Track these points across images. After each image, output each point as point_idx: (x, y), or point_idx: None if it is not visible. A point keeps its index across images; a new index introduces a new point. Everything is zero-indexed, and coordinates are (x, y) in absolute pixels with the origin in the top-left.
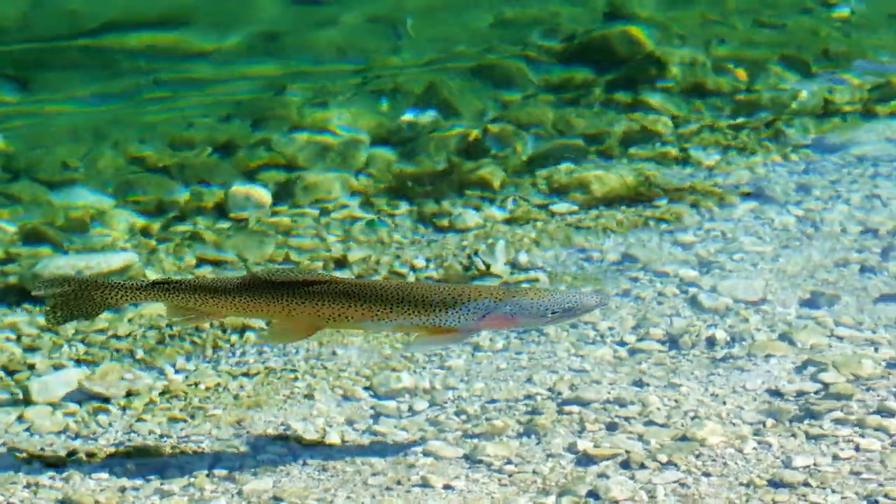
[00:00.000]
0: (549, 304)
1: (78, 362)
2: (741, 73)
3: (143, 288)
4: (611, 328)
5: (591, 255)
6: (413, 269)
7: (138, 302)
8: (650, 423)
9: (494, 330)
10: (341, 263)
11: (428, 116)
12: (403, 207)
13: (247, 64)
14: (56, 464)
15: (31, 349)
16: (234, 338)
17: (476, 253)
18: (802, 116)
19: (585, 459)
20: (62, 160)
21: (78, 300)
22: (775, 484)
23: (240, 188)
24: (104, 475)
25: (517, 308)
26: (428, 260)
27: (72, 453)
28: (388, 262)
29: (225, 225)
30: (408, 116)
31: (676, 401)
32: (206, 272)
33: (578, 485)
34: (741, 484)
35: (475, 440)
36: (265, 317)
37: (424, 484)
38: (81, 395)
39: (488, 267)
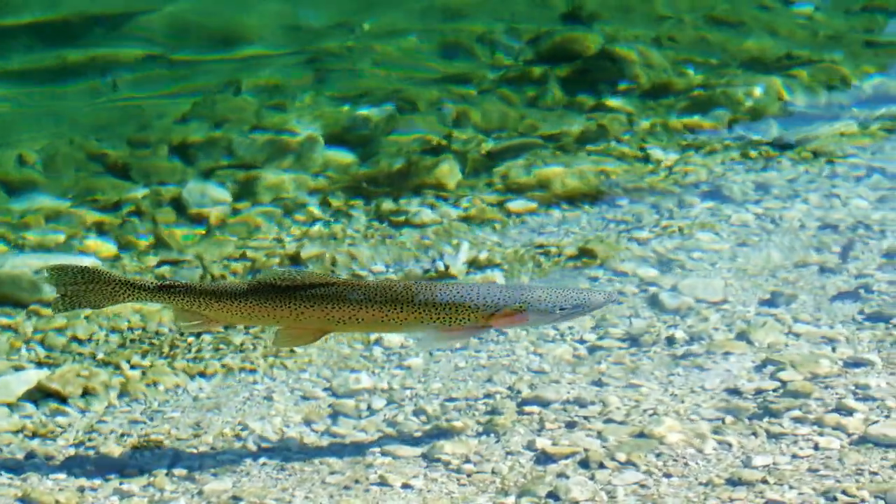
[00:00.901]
0: (558, 301)
1: (39, 364)
2: (699, 72)
3: (149, 289)
4: (570, 327)
5: (549, 252)
6: (371, 273)
7: (144, 302)
8: (609, 421)
9: (504, 327)
10: (295, 261)
11: (384, 115)
12: (360, 206)
13: (206, 63)
14: (13, 467)
15: None
16: (191, 339)
17: (441, 256)
18: (759, 114)
19: (544, 458)
20: (18, 156)
21: (89, 292)
22: (734, 482)
23: (197, 187)
24: (62, 475)
25: (527, 306)
26: (387, 265)
27: (30, 455)
28: (345, 262)
29: (183, 224)
30: (365, 115)
31: (636, 400)
32: (166, 271)
33: (538, 485)
34: (700, 483)
35: (434, 439)
36: (272, 322)
37: (383, 483)
38: (39, 395)
39: (447, 268)
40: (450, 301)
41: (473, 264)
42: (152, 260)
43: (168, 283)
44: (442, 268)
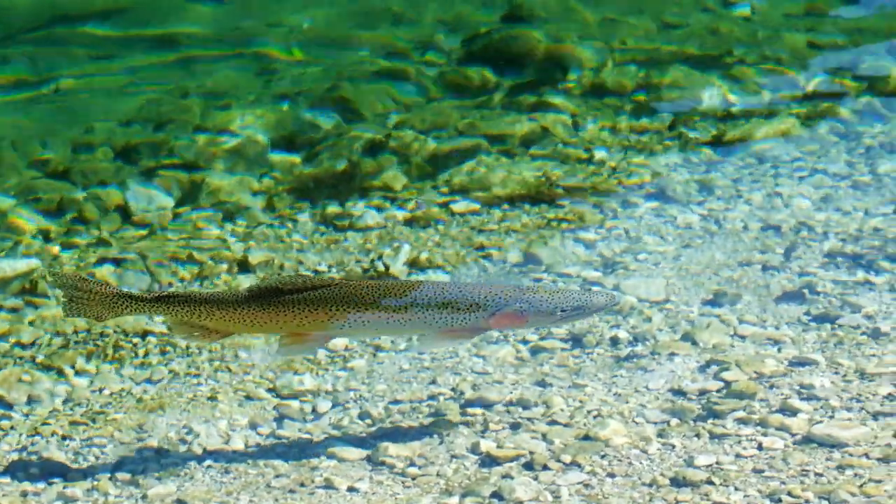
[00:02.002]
0: (559, 303)
1: None
2: (643, 73)
3: (147, 301)
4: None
5: (493, 255)
6: (316, 272)
7: (143, 314)
8: (553, 422)
9: (505, 328)
10: (243, 266)
11: (329, 117)
12: (305, 209)
13: (150, 66)
14: None
15: None
16: (137, 340)
17: (380, 257)
18: (704, 116)
19: (489, 460)
20: None
21: (90, 302)
22: (678, 483)
23: (141, 190)
24: (6, 479)
25: (527, 306)
26: (330, 266)
27: None
28: (293, 267)
29: (127, 228)
30: (308, 117)
31: (580, 401)
32: (106, 271)
33: (482, 486)
34: (644, 483)
35: (378, 441)
36: (276, 330)
37: (328, 486)
38: None
39: (387, 268)
40: (452, 301)
41: (415, 265)
42: (93, 257)
43: (167, 293)
44: (382, 268)
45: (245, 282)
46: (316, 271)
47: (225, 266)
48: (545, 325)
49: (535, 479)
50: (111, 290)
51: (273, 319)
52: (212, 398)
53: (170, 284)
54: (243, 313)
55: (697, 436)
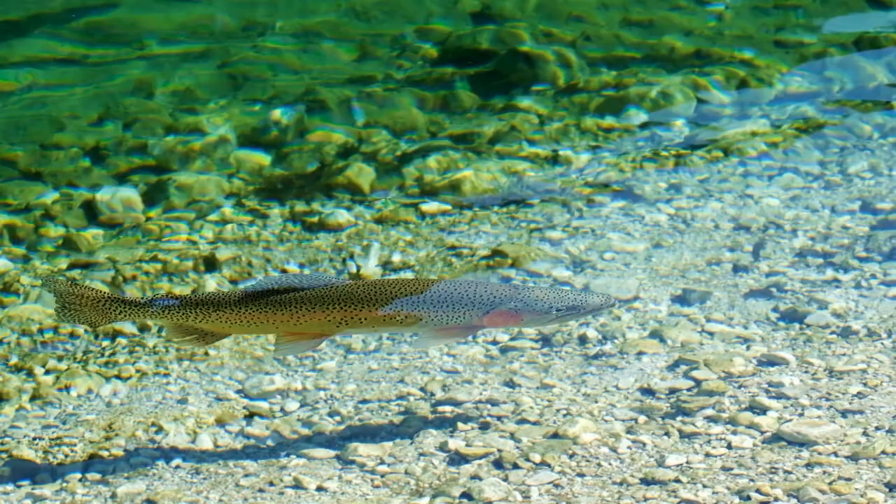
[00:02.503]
0: (554, 302)
1: None
2: (611, 72)
3: (142, 305)
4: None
5: (463, 254)
6: (284, 272)
7: (137, 320)
8: (523, 421)
9: (499, 327)
10: (211, 264)
11: (297, 117)
12: (274, 208)
13: (120, 65)
14: None
15: None
16: (106, 343)
17: (351, 256)
18: (674, 115)
19: (458, 459)
20: None
21: (83, 308)
22: (647, 482)
23: (110, 191)
24: None
25: (522, 305)
26: (301, 265)
27: None
28: (260, 265)
29: (96, 228)
30: (277, 117)
31: (549, 400)
32: (76, 274)
33: (452, 486)
34: (614, 483)
35: (348, 441)
36: (272, 330)
37: (297, 485)
38: None
39: (359, 269)
40: (446, 299)
41: (388, 265)
42: (63, 262)
43: (162, 296)
44: (354, 269)
45: (211, 279)
46: (284, 270)
47: (191, 263)
48: (540, 325)
49: (505, 478)
50: (104, 295)
51: (270, 320)
52: (182, 400)
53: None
54: (241, 314)
55: (667, 434)
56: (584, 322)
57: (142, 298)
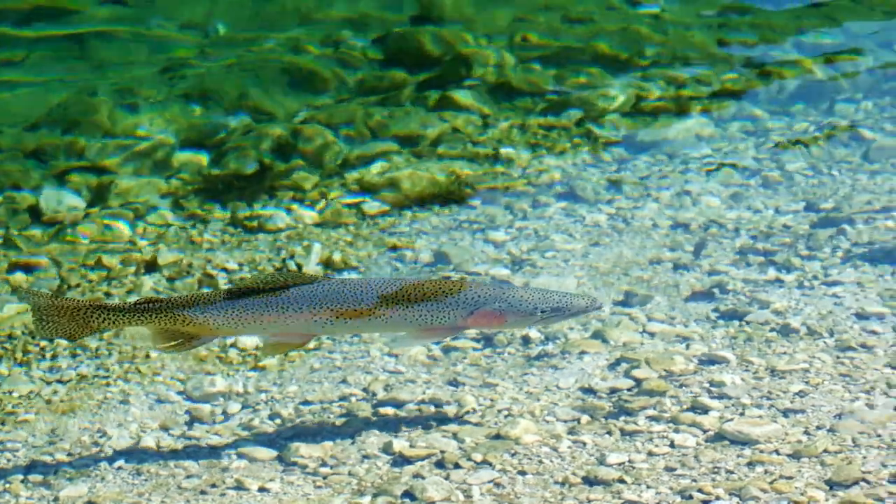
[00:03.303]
0: (539, 304)
1: None
2: (551, 72)
3: (125, 310)
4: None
5: (405, 256)
6: (226, 271)
7: (122, 327)
8: (465, 422)
9: (483, 328)
10: (151, 267)
11: (239, 118)
12: (215, 209)
13: (59, 67)
14: None
15: None
16: (45, 343)
17: (292, 256)
18: (613, 114)
19: (401, 460)
20: None
21: (61, 320)
22: (590, 482)
23: (51, 193)
24: None
25: (506, 306)
26: (241, 265)
27: None
28: (201, 266)
29: (38, 230)
30: (218, 119)
31: (492, 400)
32: (20, 277)
33: (394, 485)
34: (556, 482)
35: (290, 442)
36: (260, 331)
37: (239, 486)
38: None
39: (300, 269)
40: (430, 298)
41: (329, 265)
42: (3, 263)
43: (142, 300)
44: (294, 269)
45: (150, 282)
46: (226, 269)
47: (133, 268)
48: (524, 326)
49: (447, 478)
50: (83, 304)
51: (258, 320)
52: (123, 401)
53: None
54: (227, 315)
55: (609, 433)
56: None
57: (126, 304)
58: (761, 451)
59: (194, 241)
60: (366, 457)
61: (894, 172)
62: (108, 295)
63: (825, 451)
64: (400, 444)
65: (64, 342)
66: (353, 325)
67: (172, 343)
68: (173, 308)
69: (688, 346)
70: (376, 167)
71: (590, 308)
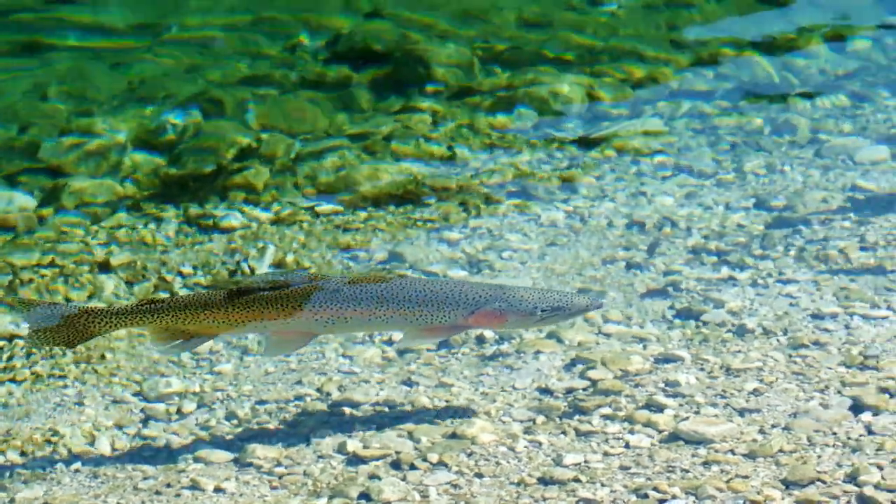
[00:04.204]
0: (539, 303)
1: None
2: (506, 72)
3: (127, 312)
4: None
5: (358, 256)
6: (181, 274)
7: (124, 328)
8: (420, 421)
9: (484, 327)
10: (105, 268)
11: (191, 119)
12: (169, 210)
13: (12, 68)
14: None
15: None
16: (3, 343)
17: (246, 258)
18: (569, 114)
19: (356, 460)
20: None
21: (60, 328)
22: (545, 481)
23: (3, 194)
24: None
25: (507, 305)
26: (195, 267)
27: None
28: (155, 268)
29: None
30: (171, 119)
31: (447, 400)
32: None
33: (350, 486)
34: (512, 483)
35: (245, 443)
36: (261, 329)
37: (195, 487)
38: None
39: (253, 271)
40: (431, 299)
41: (282, 267)
42: None
43: (145, 300)
44: (248, 270)
45: (108, 283)
46: (181, 273)
47: (87, 268)
48: (525, 326)
49: (403, 479)
50: (85, 310)
51: (259, 318)
52: (79, 403)
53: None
54: (229, 313)
55: (564, 433)
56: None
57: (125, 305)
58: (717, 451)
59: (147, 241)
60: (321, 457)
61: (846, 169)
62: (67, 300)
63: (780, 450)
64: (354, 445)
65: (19, 342)
66: (354, 323)
67: (173, 343)
68: (175, 308)
69: (644, 347)
70: (331, 166)
71: (590, 307)
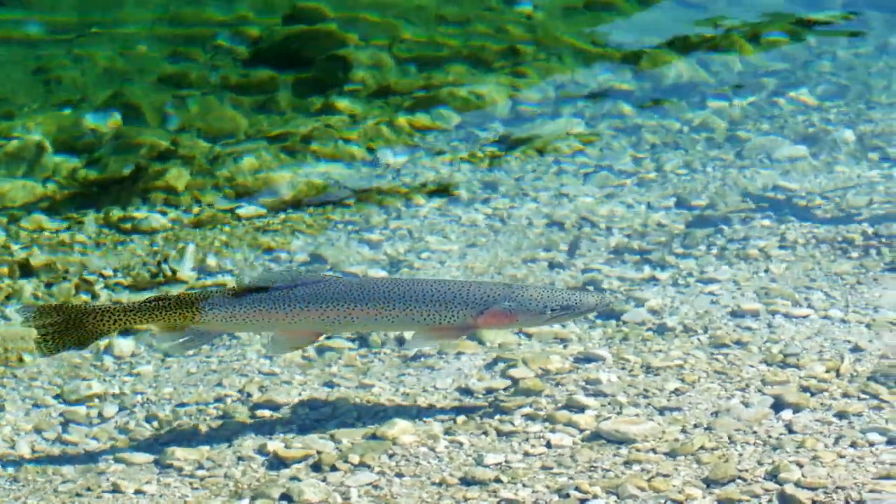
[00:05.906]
0: (549, 302)
1: None
2: (425, 73)
3: (136, 310)
4: None
5: (280, 257)
6: (101, 276)
7: (132, 326)
8: (341, 423)
9: (493, 327)
10: (25, 270)
11: (111, 121)
12: (89, 212)
13: None
14: None
15: None
16: None
17: (166, 259)
18: (489, 115)
19: (277, 462)
20: None
21: (70, 329)
22: (467, 482)
23: None
24: None
25: (516, 305)
26: (116, 270)
27: None
28: (76, 272)
29: None
30: (91, 122)
31: (368, 401)
32: None
33: (271, 488)
34: (433, 483)
35: (166, 445)
36: (269, 328)
37: (115, 490)
38: None
39: (174, 273)
40: (440, 298)
41: (203, 269)
42: None
43: (153, 298)
44: (169, 272)
45: (27, 286)
46: (101, 275)
47: (6, 269)
48: (534, 325)
49: (324, 480)
50: (93, 309)
51: (266, 317)
52: None
53: None
54: (238, 311)
55: (485, 433)
56: None
57: (135, 303)
58: (638, 450)
59: (66, 242)
60: (241, 459)
61: (765, 167)
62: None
63: (701, 448)
64: (275, 446)
65: None
66: (361, 323)
67: (181, 340)
68: (184, 306)
69: (565, 346)
70: (251, 168)
71: (599, 305)
